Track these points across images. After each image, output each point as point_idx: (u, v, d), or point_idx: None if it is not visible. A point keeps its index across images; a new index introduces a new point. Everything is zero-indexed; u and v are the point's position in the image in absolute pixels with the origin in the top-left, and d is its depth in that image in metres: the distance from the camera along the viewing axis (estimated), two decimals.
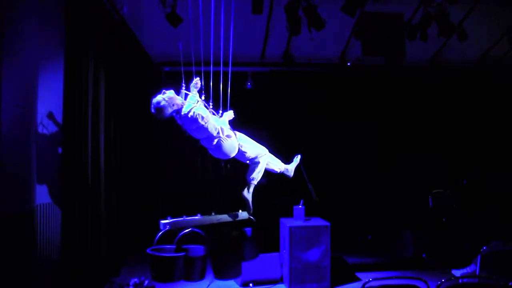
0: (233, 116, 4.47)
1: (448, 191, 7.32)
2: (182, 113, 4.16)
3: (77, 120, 4.58)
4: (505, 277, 3.79)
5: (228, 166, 6.66)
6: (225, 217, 4.69)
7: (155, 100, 4.08)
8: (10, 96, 3.57)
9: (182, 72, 4.38)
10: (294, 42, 7.15)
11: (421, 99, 8.09)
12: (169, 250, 4.18)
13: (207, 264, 4.53)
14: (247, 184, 4.57)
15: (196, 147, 4.53)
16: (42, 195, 4.15)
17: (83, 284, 4.54)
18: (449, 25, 6.60)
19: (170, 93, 4.16)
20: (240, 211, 4.77)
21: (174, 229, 4.32)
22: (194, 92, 4.42)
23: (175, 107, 4.13)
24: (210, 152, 4.44)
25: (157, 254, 4.09)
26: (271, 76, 7.85)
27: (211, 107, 4.39)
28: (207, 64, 4.39)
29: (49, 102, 4.32)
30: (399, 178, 7.73)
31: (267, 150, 4.66)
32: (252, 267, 5.55)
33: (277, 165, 4.81)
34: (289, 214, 5.79)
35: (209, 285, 5.35)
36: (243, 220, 4.82)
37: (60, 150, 4.49)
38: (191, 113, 4.11)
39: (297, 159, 4.96)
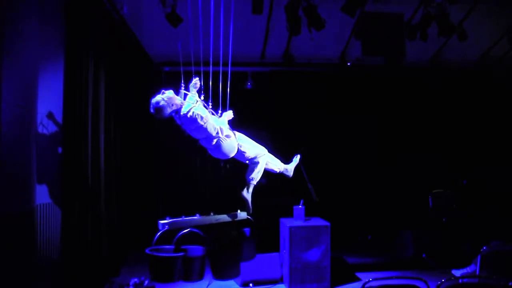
0: (233, 116, 4.47)
1: (448, 191, 7.32)
2: (181, 113, 4.16)
3: (77, 120, 4.58)
4: (505, 277, 3.79)
5: (228, 166, 6.66)
6: (223, 217, 4.69)
7: (154, 100, 4.08)
8: (10, 96, 3.57)
9: (181, 72, 4.38)
10: (294, 42, 7.15)
11: (421, 99, 8.09)
12: (168, 251, 4.17)
13: (206, 265, 4.52)
14: (246, 184, 4.57)
15: (196, 147, 4.53)
16: (42, 195, 4.15)
17: (83, 284, 4.54)
18: (449, 25, 6.60)
19: (169, 93, 4.16)
20: (239, 211, 4.77)
21: (173, 229, 4.31)
22: (193, 92, 4.42)
23: (174, 107, 4.13)
24: (210, 152, 4.44)
25: (155, 254, 4.08)
26: (271, 76, 7.86)
27: (210, 107, 4.39)
28: (207, 64, 4.40)
29: (49, 102, 4.32)
30: (399, 178, 7.73)
31: (266, 150, 4.66)
32: (252, 267, 5.55)
33: (277, 165, 4.81)
34: (289, 214, 5.78)
35: (208, 285, 5.35)
36: (241, 220, 4.82)
37: (60, 150, 4.49)
38: (190, 113, 4.11)
39: (296, 159, 4.96)
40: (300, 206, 5.71)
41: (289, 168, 4.90)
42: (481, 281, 3.81)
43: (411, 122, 8.07)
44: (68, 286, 4.41)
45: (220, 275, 5.38)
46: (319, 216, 5.83)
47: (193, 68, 4.42)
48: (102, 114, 5.24)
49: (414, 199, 7.34)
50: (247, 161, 4.60)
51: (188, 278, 4.20)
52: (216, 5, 4.29)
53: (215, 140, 4.27)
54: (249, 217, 4.76)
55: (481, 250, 4.69)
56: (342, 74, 7.97)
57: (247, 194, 4.58)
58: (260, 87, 7.80)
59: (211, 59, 4.34)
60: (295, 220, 5.65)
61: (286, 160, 4.94)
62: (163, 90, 4.16)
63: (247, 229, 5.56)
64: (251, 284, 5.51)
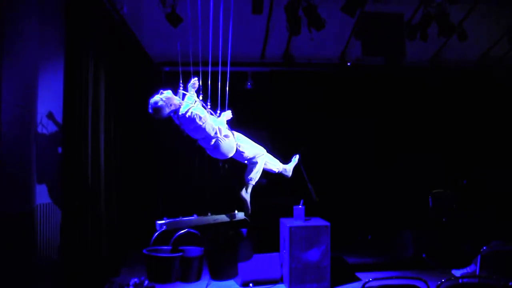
0: (231, 116, 4.47)
1: (448, 191, 7.32)
2: (180, 113, 4.16)
3: (77, 120, 4.58)
4: (505, 277, 3.79)
5: (226, 166, 6.67)
6: (221, 218, 4.70)
7: (152, 100, 4.08)
8: (10, 96, 3.57)
9: (180, 72, 4.38)
10: (294, 42, 7.15)
11: (421, 99, 8.08)
12: (166, 251, 4.17)
13: (203, 265, 4.52)
14: (245, 184, 4.57)
15: (195, 147, 4.53)
16: (42, 195, 4.15)
17: (83, 284, 4.54)
18: (449, 25, 6.60)
19: (168, 93, 4.16)
20: (236, 211, 4.77)
21: (171, 230, 4.31)
22: (192, 92, 4.42)
23: (172, 107, 4.13)
24: (208, 152, 4.44)
25: (153, 254, 4.08)
26: (271, 76, 7.85)
27: (209, 107, 4.39)
28: (206, 64, 4.40)
29: (49, 102, 4.32)
30: (399, 178, 7.73)
31: (265, 150, 4.66)
32: (252, 267, 5.55)
33: (275, 165, 4.81)
34: (289, 214, 5.78)
35: (207, 285, 5.35)
36: (239, 221, 4.83)
37: (60, 150, 4.49)
38: (188, 113, 4.11)
39: (295, 159, 4.96)
40: (300, 206, 5.71)
41: (288, 168, 4.90)
42: (481, 281, 3.81)
43: (411, 122, 8.06)
44: (68, 286, 4.41)
45: (217, 276, 5.40)
46: (319, 216, 5.83)
47: (191, 68, 4.42)
48: (102, 114, 5.24)
49: (414, 199, 7.34)
50: (245, 161, 4.60)
51: (186, 279, 4.19)
52: (216, 5, 4.30)
53: (213, 140, 4.27)
54: (245, 217, 4.77)
55: (481, 250, 4.69)
56: (342, 74, 7.97)
57: (246, 194, 4.58)
58: (260, 87, 7.80)
59: (210, 59, 4.34)
60: (295, 220, 5.65)
61: (286, 160, 4.95)
62: (161, 90, 4.16)
63: (244, 230, 5.56)
64: (251, 284, 5.51)
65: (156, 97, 4.09)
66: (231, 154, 4.44)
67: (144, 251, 4.09)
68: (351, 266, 6.12)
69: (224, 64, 4.41)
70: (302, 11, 6.19)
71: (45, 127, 4.30)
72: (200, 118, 4.11)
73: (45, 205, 4.21)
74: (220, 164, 6.53)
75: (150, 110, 4.09)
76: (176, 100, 4.19)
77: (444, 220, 6.85)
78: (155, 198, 7.41)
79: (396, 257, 6.49)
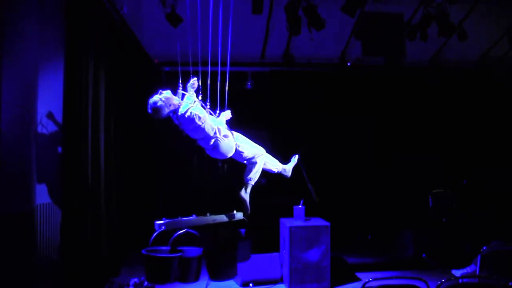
0: (231, 116, 4.47)
1: (448, 191, 7.32)
2: (179, 113, 4.16)
3: (77, 120, 4.58)
4: (505, 277, 3.79)
5: (225, 166, 6.68)
6: (220, 218, 4.70)
7: (151, 100, 4.08)
8: (10, 96, 3.57)
9: (179, 72, 4.38)
10: (294, 42, 7.15)
11: (421, 99, 8.08)
12: (164, 251, 4.16)
13: (202, 265, 4.51)
14: (244, 184, 4.57)
15: (194, 147, 4.53)
16: (42, 195, 4.15)
17: (83, 284, 4.54)
18: (449, 25, 6.60)
19: (167, 93, 4.15)
20: (235, 211, 4.77)
21: (170, 230, 4.31)
22: (191, 92, 4.41)
23: (172, 107, 4.13)
24: (207, 152, 4.44)
25: (151, 254, 4.07)
26: (271, 76, 7.85)
27: (208, 107, 4.39)
28: (206, 64, 4.39)
29: (49, 102, 4.32)
30: (399, 178, 7.73)
31: (264, 150, 4.66)
32: (252, 267, 5.55)
33: (275, 165, 4.81)
34: (289, 214, 5.78)
35: (207, 285, 5.35)
36: (237, 221, 4.83)
37: (60, 150, 4.49)
38: (188, 113, 4.11)
39: (294, 159, 4.96)
40: (300, 206, 5.71)
41: (287, 168, 4.90)
42: (481, 281, 3.81)
43: (411, 122, 8.06)
44: (68, 286, 4.41)
45: (216, 276, 5.39)
46: (319, 216, 5.83)
47: (191, 68, 4.42)
48: (102, 114, 5.24)
49: (414, 199, 7.34)
50: (245, 161, 4.60)
51: (185, 279, 4.18)
52: (216, 5, 4.30)
53: (213, 140, 4.26)
54: (244, 218, 4.77)
55: (481, 250, 4.69)
56: (342, 74, 7.97)
57: (245, 194, 4.58)
58: (260, 87, 7.80)
59: (209, 59, 4.34)
60: (295, 220, 5.65)
61: (286, 161, 4.95)
62: (160, 90, 4.15)
63: (242, 230, 5.56)
64: (251, 284, 5.51)
65: (155, 97, 4.09)
66: (230, 154, 4.44)
67: (143, 251, 4.08)
68: (351, 266, 6.12)
69: (224, 64, 4.41)
70: (302, 11, 6.19)
71: (45, 127, 4.30)
72: (200, 118, 4.11)
73: (45, 205, 4.21)
74: (220, 164, 6.53)
75: (149, 110, 4.09)
76: (175, 100, 4.19)
77: (444, 220, 6.85)
78: (155, 198, 7.40)
79: (396, 257, 6.49)
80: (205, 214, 4.66)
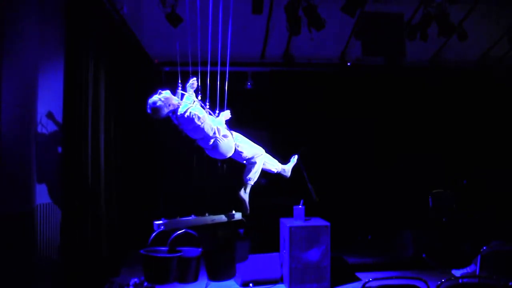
0: (230, 116, 4.46)
1: (448, 191, 7.32)
2: (179, 113, 4.16)
3: (77, 120, 4.57)
4: (505, 277, 3.79)
5: (225, 166, 6.67)
6: (219, 218, 4.69)
7: (151, 100, 4.08)
8: (10, 96, 3.57)
9: (179, 72, 4.38)
10: (294, 42, 7.15)
11: (421, 99, 8.08)
12: (163, 252, 4.15)
13: (201, 266, 4.51)
14: (244, 184, 4.57)
15: (194, 147, 4.53)
16: (42, 195, 4.15)
17: (83, 284, 4.53)
18: (449, 25, 6.60)
19: (166, 93, 4.15)
20: (234, 211, 4.77)
21: (169, 230, 4.30)
22: (190, 92, 4.41)
23: (171, 107, 4.12)
24: (207, 152, 4.43)
25: (150, 255, 4.07)
26: (271, 76, 7.85)
27: (207, 107, 4.39)
28: (206, 64, 4.39)
29: (49, 102, 4.32)
30: (399, 178, 7.73)
31: (263, 150, 4.66)
32: (252, 267, 5.55)
33: (274, 165, 4.81)
34: (289, 214, 5.79)
35: (206, 286, 5.35)
36: (236, 221, 4.82)
37: (60, 150, 4.49)
38: (187, 113, 4.11)
39: (294, 159, 4.96)
40: (300, 206, 5.71)
41: (287, 169, 4.90)
42: (481, 281, 3.81)
43: (411, 122, 8.07)
44: (68, 286, 4.40)
45: (215, 276, 5.37)
46: (319, 216, 5.83)
47: (190, 68, 4.42)
48: (102, 114, 5.24)
49: (414, 199, 7.34)
50: (244, 161, 4.60)
51: (184, 280, 4.16)
52: (216, 5, 4.30)
53: (212, 140, 4.26)
54: (242, 218, 4.77)
55: (481, 250, 4.68)
56: (342, 74, 7.97)
57: (245, 194, 4.58)
58: (260, 87, 7.80)
59: (209, 59, 4.34)
60: (295, 220, 5.65)
61: (286, 161, 4.94)
62: (160, 90, 4.15)
63: (241, 230, 5.55)
64: (251, 284, 5.51)
65: (155, 97, 4.08)
66: (229, 154, 4.43)
67: (141, 251, 4.08)
68: (351, 266, 6.12)
69: (224, 64, 4.41)
70: (302, 11, 6.19)
71: (45, 127, 4.30)
72: (199, 118, 4.11)
73: (45, 205, 4.20)
74: (219, 164, 6.52)
75: (149, 110, 4.09)
76: (175, 100, 4.19)
77: (444, 220, 6.85)
78: (155, 198, 7.40)
79: (396, 257, 6.49)
80: (204, 214, 4.66)
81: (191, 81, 4.43)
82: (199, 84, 4.44)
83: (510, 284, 3.65)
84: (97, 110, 5.09)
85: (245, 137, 4.61)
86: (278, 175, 4.90)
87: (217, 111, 4.43)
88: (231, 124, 4.53)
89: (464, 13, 6.84)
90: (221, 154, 4.38)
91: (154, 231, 4.30)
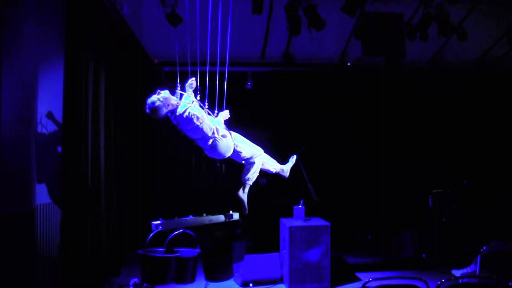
0: (229, 116, 4.46)
1: (448, 191, 7.32)
2: (177, 113, 4.16)
3: (77, 120, 4.57)
4: (505, 277, 3.79)
5: (223, 166, 6.68)
6: (216, 218, 4.69)
7: (149, 100, 4.08)
8: (10, 96, 3.57)
9: (177, 72, 4.38)
10: (294, 42, 7.15)
11: (421, 99, 8.08)
12: (161, 252, 4.15)
13: (198, 266, 4.50)
14: (242, 184, 4.57)
15: (193, 147, 4.53)
16: (42, 195, 4.15)
17: (83, 284, 4.53)
18: (449, 25, 6.61)
19: (165, 93, 4.15)
20: (231, 211, 4.77)
21: (167, 230, 4.30)
22: (189, 92, 4.41)
23: (170, 107, 4.12)
24: (206, 152, 4.43)
25: (148, 255, 4.06)
26: (271, 76, 7.85)
27: (206, 107, 4.39)
28: (206, 64, 4.40)
29: (49, 102, 4.32)
30: (399, 178, 7.73)
31: (262, 150, 4.66)
32: (252, 267, 5.55)
33: (273, 165, 4.81)
34: (289, 214, 5.78)
35: (206, 286, 5.35)
36: (233, 221, 4.83)
37: (60, 150, 4.49)
38: (186, 113, 4.11)
39: (292, 160, 4.96)
40: (300, 206, 5.71)
41: (286, 169, 4.90)
42: (481, 281, 3.81)
43: (411, 122, 8.06)
44: (68, 286, 4.41)
45: (213, 277, 5.38)
46: (319, 216, 5.83)
47: (190, 68, 4.42)
48: (102, 114, 5.24)
49: (414, 199, 7.34)
50: (243, 161, 4.60)
51: (181, 280, 4.15)
52: (216, 5, 4.30)
53: (211, 140, 4.26)
54: (239, 219, 4.77)
55: (481, 250, 4.68)
56: (342, 74, 7.96)
57: (243, 194, 4.58)
58: (260, 87, 7.80)
59: (208, 59, 4.35)
60: (295, 220, 5.65)
61: (286, 161, 4.94)
62: (158, 90, 4.15)
63: (238, 230, 5.55)
64: (251, 284, 5.51)
65: (153, 97, 4.08)
66: (228, 154, 4.44)
67: (139, 251, 4.07)
68: (351, 266, 6.12)
69: (223, 64, 4.41)
70: (302, 11, 6.20)
71: (45, 127, 4.30)
72: (198, 118, 4.11)
73: (45, 205, 4.21)
74: (218, 164, 6.53)
75: (147, 110, 4.09)
76: (174, 100, 4.19)
77: (444, 220, 6.85)
78: (155, 198, 7.40)
79: (396, 257, 6.49)
80: (201, 215, 4.66)
81: (190, 81, 4.43)
82: (199, 84, 4.44)
83: (510, 284, 3.65)
84: (97, 110, 5.09)
85: (244, 137, 4.61)
86: (278, 175, 4.90)
87: (216, 111, 4.43)
88: (231, 124, 4.53)
89: (464, 13, 6.84)
90: (220, 154, 4.38)
91: (152, 231, 4.30)
